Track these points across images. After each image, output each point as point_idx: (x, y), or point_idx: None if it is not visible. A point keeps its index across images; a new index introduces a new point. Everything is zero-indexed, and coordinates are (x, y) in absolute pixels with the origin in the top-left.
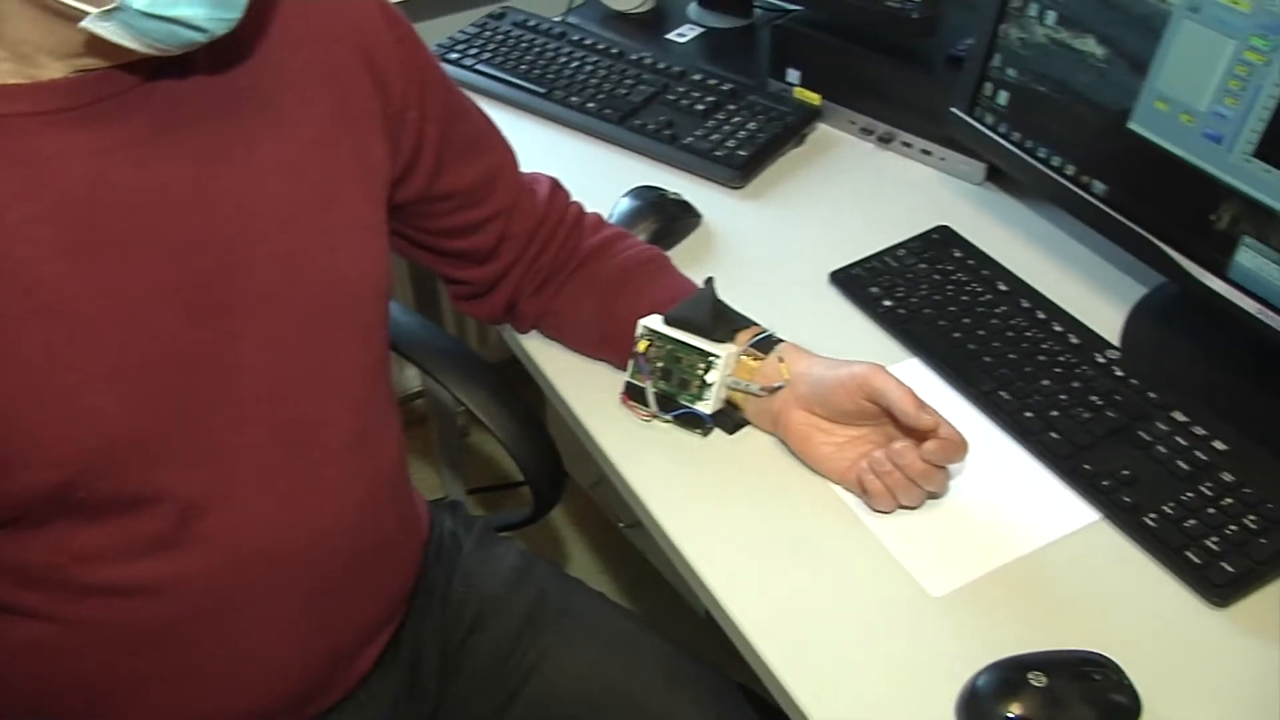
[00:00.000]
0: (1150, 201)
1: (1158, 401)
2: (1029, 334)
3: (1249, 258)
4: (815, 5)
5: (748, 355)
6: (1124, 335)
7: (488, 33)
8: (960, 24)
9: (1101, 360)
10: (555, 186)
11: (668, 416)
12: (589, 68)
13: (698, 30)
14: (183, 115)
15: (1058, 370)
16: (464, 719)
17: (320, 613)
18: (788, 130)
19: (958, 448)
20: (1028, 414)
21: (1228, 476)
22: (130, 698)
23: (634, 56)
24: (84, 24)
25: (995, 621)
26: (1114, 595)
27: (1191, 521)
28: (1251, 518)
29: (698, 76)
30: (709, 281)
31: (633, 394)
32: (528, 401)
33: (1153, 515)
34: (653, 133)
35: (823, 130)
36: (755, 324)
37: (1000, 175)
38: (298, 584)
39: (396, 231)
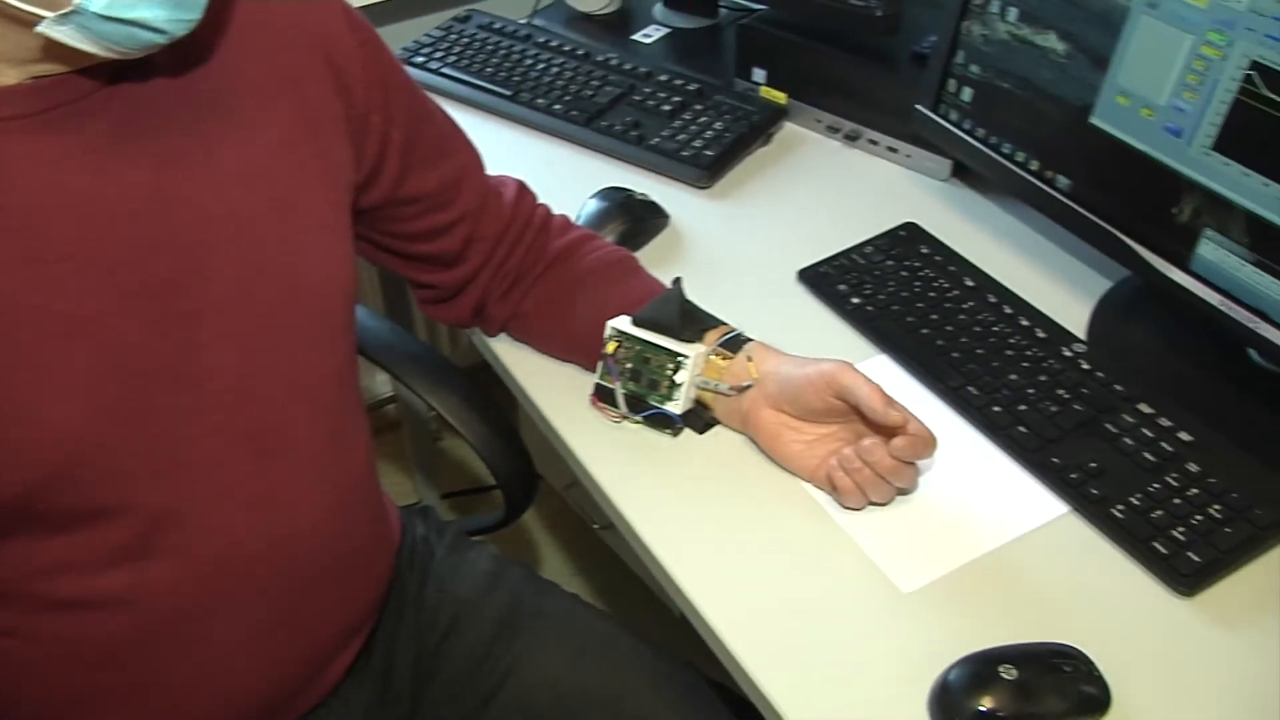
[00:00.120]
0: (1113, 195)
1: (1124, 394)
2: (996, 329)
3: (1210, 250)
4: (780, 4)
5: (716, 355)
6: (1090, 329)
7: (453, 36)
8: (924, 21)
9: (1068, 354)
10: (522, 189)
11: (637, 417)
12: (555, 69)
13: (663, 31)
14: (142, 120)
15: (1025, 364)
16: None
17: (289, 621)
18: (754, 129)
19: (926, 443)
20: (996, 408)
21: (1193, 467)
22: (96, 712)
23: (600, 58)
24: (40, 28)
25: (966, 616)
26: (1083, 587)
27: (1158, 512)
28: (1217, 507)
29: (664, 77)
30: (677, 282)
31: (602, 395)
32: (500, 405)
33: (1120, 507)
34: (619, 134)
35: (789, 129)
36: (724, 323)
37: (966, 171)
38: (266, 593)
39: (362, 236)
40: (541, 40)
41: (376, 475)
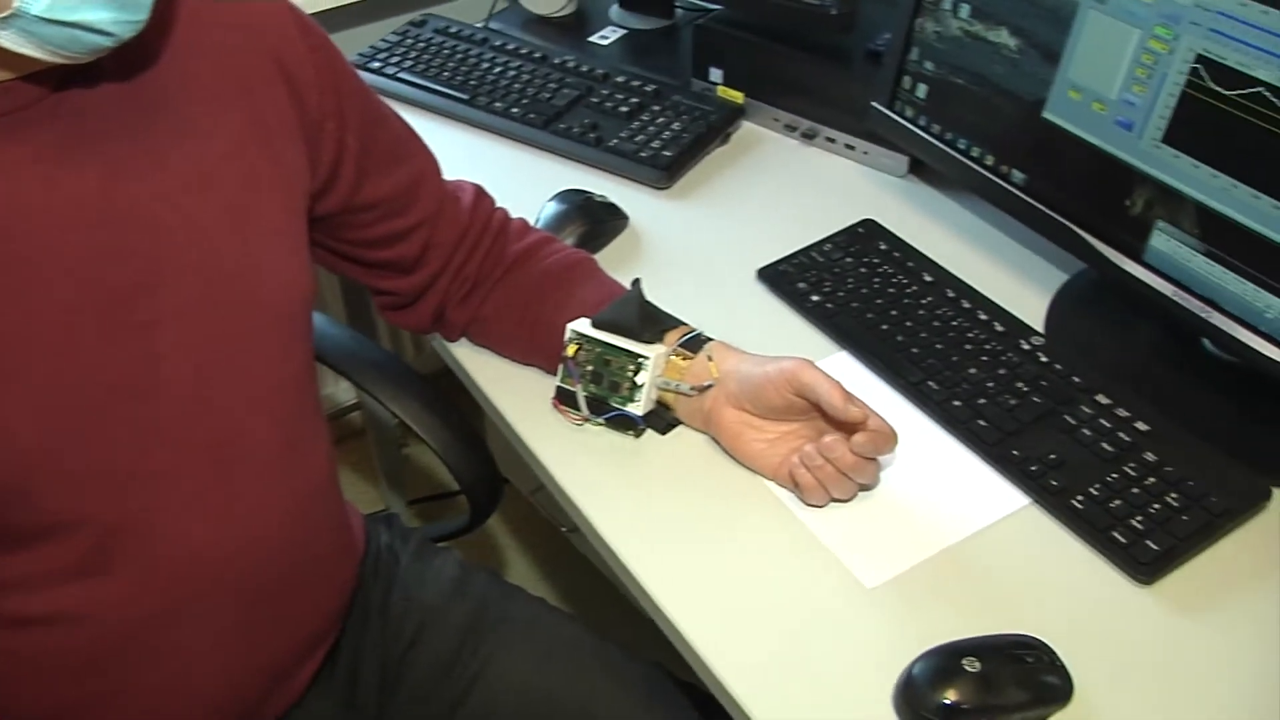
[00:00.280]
0: (1067, 189)
1: (1082, 385)
2: (955, 323)
3: (1163, 241)
4: (736, 4)
5: (677, 355)
6: (1047, 321)
7: (409, 40)
8: (878, 19)
9: (1026, 347)
10: (479, 193)
11: (599, 419)
12: (512, 73)
13: (620, 32)
14: (91, 128)
15: (984, 358)
16: None
17: (251, 630)
18: (712, 129)
19: (887, 439)
20: (956, 403)
21: (1150, 456)
22: None
23: (557, 60)
24: None
25: (930, 609)
26: (1045, 578)
27: (1117, 502)
28: (1173, 495)
29: (621, 78)
30: (636, 283)
31: (564, 398)
32: (464, 411)
33: (1080, 497)
34: (577, 136)
35: (747, 128)
36: (684, 324)
37: (923, 167)
38: (226, 603)
39: (319, 244)
40: (498, 44)
41: (338, 483)
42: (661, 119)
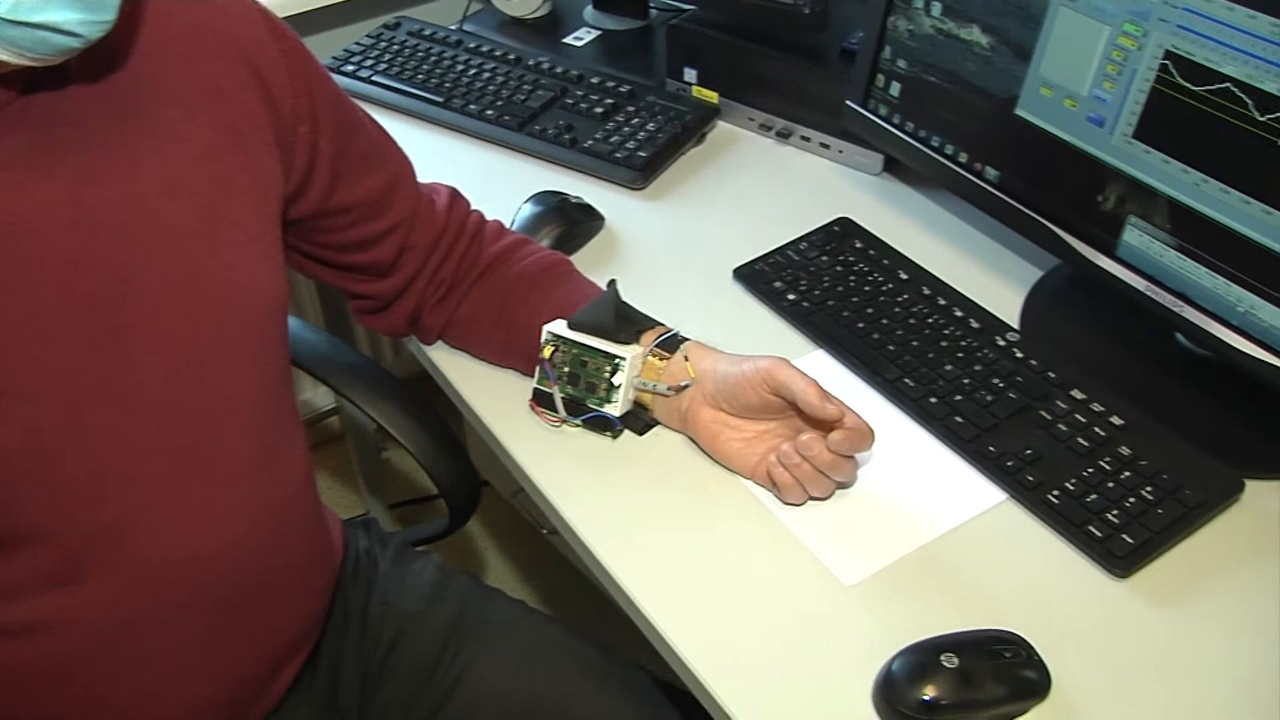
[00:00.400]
0: (1040, 185)
1: (1057, 380)
2: (931, 320)
3: (1135, 236)
4: (709, 4)
5: (653, 355)
6: (1023, 317)
7: (383, 43)
8: (851, 18)
9: (1002, 343)
10: (455, 196)
11: (577, 421)
12: (486, 75)
13: (594, 33)
14: (61, 133)
15: (960, 355)
16: None
17: (229, 637)
18: (687, 129)
19: (864, 436)
20: (932, 399)
21: (1125, 450)
22: None
23: (531, 62)
24: None
25: (908, 606)
26: (1022, 573)
27: (1093, 496)
28: (1148, 489)
29: (596, 79)
30: (612, 284)
31: (541, 400)
32: (441, 414)
33: (1056, 492)
34: (553, 137)
35: (722, 128)
36: (660, 324)
37: (897, 165)
38: (202, 611)
39: (294, 248)
40: (472, 46)
41: (314, 488)
42: (636, 120)
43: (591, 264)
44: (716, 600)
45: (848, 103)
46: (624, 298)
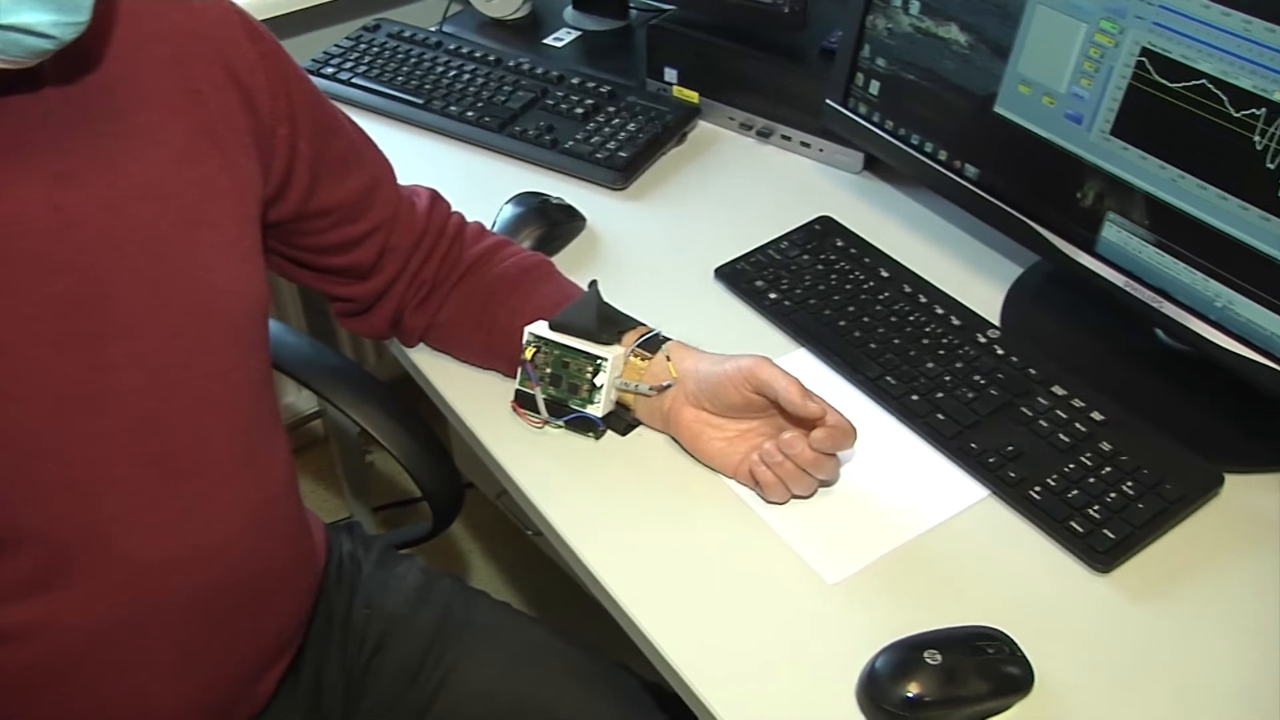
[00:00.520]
0: (1019, 182)
1: (1038, 377)
2: (912, 318)
3: (1114, 233)
4: (689, 4)
5: (635, 355)
6: (1003, 314)
7: (363, 45)
8: (830, 17)
9: (983, 340)
10: (435, 198)
11: (559, 422)
12: (467, 76)
13: (574, 34)
14: (36, 135)
15: (941, 352)
16: None
17: (211, 641)
18: (668, 129)
19: (846, 434)
20: (914, 397)
21: (1106, 446)
22: None
23: (511, 63)
24: None
25: (892, 603)
26: (1004, 569)
27: (1074, 492)
28: (1129, 484)
29: (576, 80)
30: (593, 284)
31: (523, 401)
32: (423, 416)
33: (1038, 488)
34: (533, 138)
35: (703, 127)
36: (642, 324)
37: (878, 164)
38: (185, 614)
39: (274, 251)
40: (452, 47)
41: (297, 492)
42: (617, 120)
43: (573, 265)
44: (700, 600)
45: (828, 101)
46: (605, 298)
